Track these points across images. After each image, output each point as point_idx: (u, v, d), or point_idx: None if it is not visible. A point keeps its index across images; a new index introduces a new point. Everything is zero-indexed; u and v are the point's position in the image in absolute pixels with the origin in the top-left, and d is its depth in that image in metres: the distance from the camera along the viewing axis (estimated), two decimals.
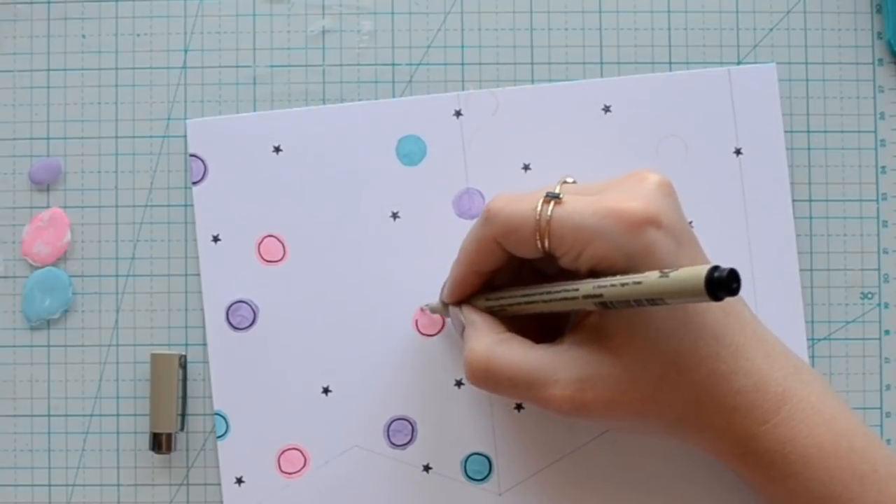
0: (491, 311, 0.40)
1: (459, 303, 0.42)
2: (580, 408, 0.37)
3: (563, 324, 0.41)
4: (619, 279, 0.34)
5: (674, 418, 0.37)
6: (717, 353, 0.36)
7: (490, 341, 0.39)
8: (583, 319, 0.38)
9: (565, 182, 0.38)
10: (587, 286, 0.35)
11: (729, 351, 0.37)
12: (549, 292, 0.37)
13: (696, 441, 0.38)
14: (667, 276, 0.32)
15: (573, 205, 0.37)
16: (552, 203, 0.37)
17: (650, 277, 0.33)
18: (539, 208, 0.37)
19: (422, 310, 0.45)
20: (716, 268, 0.31)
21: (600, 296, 0.35)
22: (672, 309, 0.36)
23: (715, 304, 0.36)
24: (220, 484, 0.45)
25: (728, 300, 0.36)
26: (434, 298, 0.44)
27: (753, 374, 0.37)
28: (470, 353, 0.39)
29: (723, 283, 0.31)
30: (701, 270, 0.31)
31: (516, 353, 0.38)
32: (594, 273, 0.36)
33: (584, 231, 0.36)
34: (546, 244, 0.37)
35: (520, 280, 0.40)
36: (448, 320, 0.45)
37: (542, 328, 0.40)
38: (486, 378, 0.38)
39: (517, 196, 0.38)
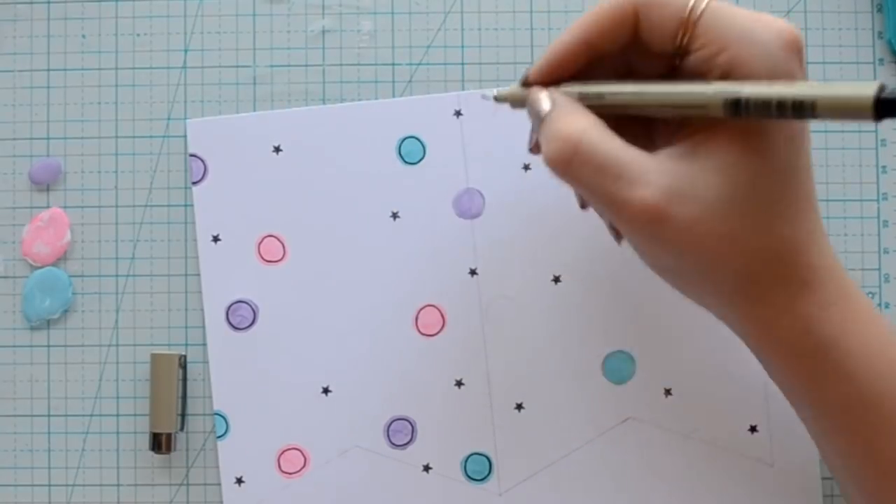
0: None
1: (546, 84, 0.37)
2: (660, 220, 0.33)
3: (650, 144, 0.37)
4: (765, 81, 0.32)
5: (741, 275, 0.35)
6: (808, 219, 0.35)
7: (586, 123, 0.35)
8: (687, 136, 0.35)
9: None
10: (721, 84, 0.33)
11: (815, 225, 0.35)
12: (669, 86, 0.34)
13: (752, 318, 0.36)
14: (828, 84, 0.30)
15: (730, 5, 0.34)
16: None
17: (806, 83, 0.31)
18: None
19: (484, 97, 0.40)
20: (885, 86, 0.29)
21: (737, 94, 0.32)
22: (791, 154, 0.34)
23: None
24: (220, 484, 0.45)
25: None
26: (434, 298, 0.44)
27: (826, 255, 0.36)
28: (559, 132, 0.34)
29: (892, 104, 0.29)
30: (870, 84, 0.29)
31: (613, 141, 0.34)
32: (725, 79, 0.34)
33: (736, 29, 0.33)
34: (690, 33, 0.34)
35: None
36: (449, 316, 0.45)
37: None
38: (573, 160, 0.34)
39: None
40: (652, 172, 0.34)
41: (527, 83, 0.37)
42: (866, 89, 0.29)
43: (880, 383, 0.36)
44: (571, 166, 0.34)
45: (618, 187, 0.34)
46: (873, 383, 0.36)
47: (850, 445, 0.37)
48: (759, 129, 0.34)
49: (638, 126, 0.37)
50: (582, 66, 0.37)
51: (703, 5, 0.34)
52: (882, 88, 0.29)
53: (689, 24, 0.34)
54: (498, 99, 0.39)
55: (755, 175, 0.34)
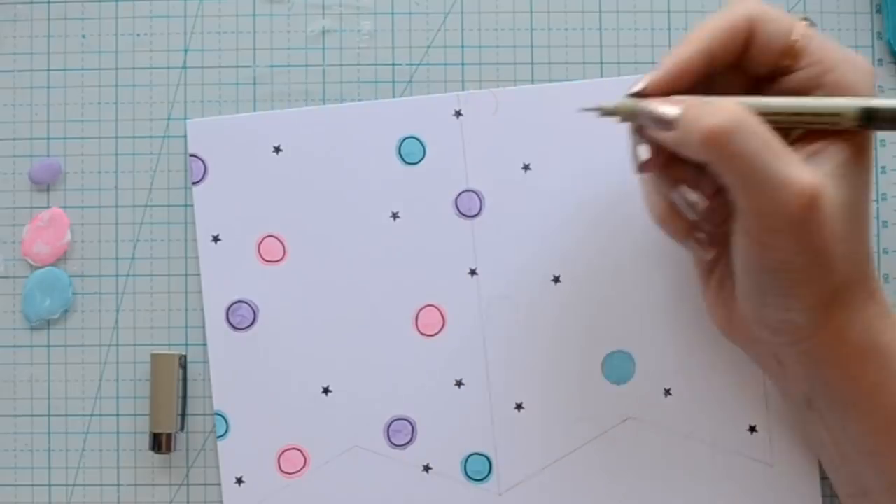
0: None
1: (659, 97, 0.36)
2: (812, 206, 0.33)
3: None
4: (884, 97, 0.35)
5: (839, 277, 0.36)
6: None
7: (744, 108, 0.34)
8: (799, 147, 0.35)
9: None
10: (852, 98, 0.35)
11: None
12: (799, 100, 0.35)
13: (824, 326, 0.36)
14: None
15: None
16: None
17: None
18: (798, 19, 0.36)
19: (581, 111, 0.38)
20: None
21: (871, 105, 0.34)
22: (872, 168, 0.37)
23: None
24: (220, 484, 0.45)
25: None
26: (434, 298, 0.44)
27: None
28: (723, 107, 0.33)
29: None
30: None
31: (766, 127, 0.34)
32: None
33: (840, 53, 0.36)
34: (801, 49, 0.36)
35: None
36: (449, 316, 0.45)
37: None
38: (738, 129, 0.33)
39: None
40: (802, 162, 0.34)
41: (641, 94, 0.36)
42: None
43: None
44: (736, 135, 0.33)
45: (780, 165, 0.33)
46: None
47: None
48: (864, 142, 0.36)
49: None
50: (702, 73, 0.36)
51: (807, 26, 0.36)
52: None
53: (799, 42, 0.36)
54: (604, 112, 0.37)
55: (863, 183, 0.36)
